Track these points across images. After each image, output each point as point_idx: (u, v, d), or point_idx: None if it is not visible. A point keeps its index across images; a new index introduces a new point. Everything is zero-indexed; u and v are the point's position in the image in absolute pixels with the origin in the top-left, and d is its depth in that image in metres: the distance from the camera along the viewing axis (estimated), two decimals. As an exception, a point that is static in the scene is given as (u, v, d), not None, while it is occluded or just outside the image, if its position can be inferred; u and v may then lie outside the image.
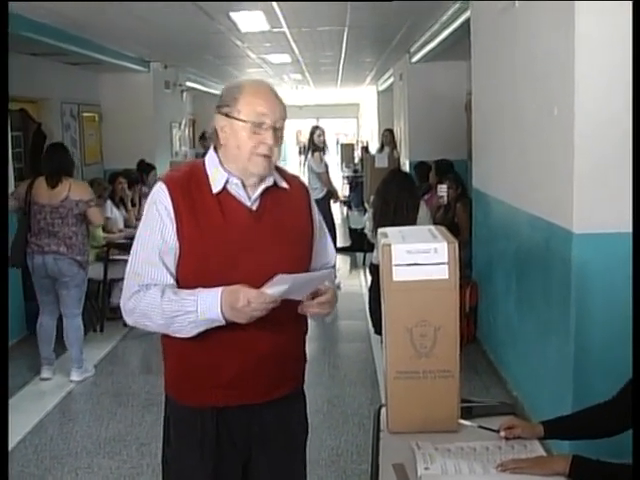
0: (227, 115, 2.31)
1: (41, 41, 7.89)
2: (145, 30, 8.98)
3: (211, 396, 2.36)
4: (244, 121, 2.28)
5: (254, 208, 2.35)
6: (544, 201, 4.46)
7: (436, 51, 10.09)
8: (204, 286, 2.22)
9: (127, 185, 8.32)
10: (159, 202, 2.30)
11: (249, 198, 2.35)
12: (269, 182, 2.38)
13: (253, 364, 2.35)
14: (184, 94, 15.09)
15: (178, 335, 2.28)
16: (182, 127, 14.97)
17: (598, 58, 3.80)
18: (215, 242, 2.28)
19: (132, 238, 7.61)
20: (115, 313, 7.74)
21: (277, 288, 2.14)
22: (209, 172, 2.35)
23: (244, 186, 2.35)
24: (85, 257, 5.96)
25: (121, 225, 7.88)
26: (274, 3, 7.49)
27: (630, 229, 3.79)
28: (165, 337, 2.41)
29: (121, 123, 12.34)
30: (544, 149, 4.42)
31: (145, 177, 9.36)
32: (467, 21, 6.96)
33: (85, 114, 11.78)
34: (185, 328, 2.24)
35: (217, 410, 2.37)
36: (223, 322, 2.21)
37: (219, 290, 2.20)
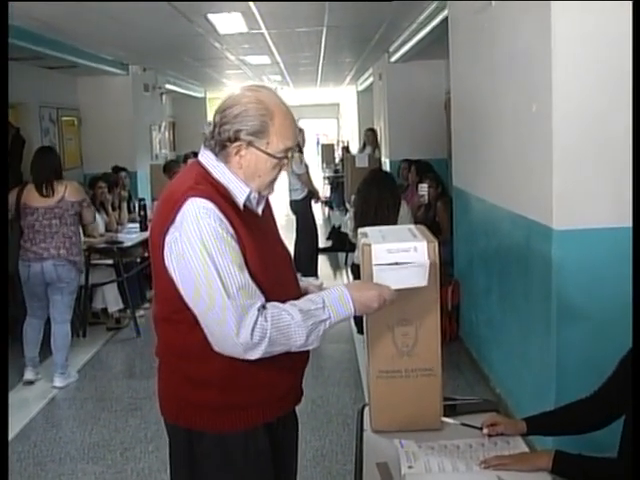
0: (249, 144, 2.16)
1: (17, 45, 7.84)
2: (122, 33, 8.94)
3: (267, 411, 2.29)
4: (272, 156, 2.18)
5: (260, 216, 2.34)
6: (524, 198, 4.47)
7: (415, 50, 10.11)
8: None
9: (107, 189, 8.28)
10: (216, 217, 2.08)
11: (257, 207, 2.31)
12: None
13: (300, 375, 2.41)
14: (163, 97, 15.05)
15: (308, 348, 2.14)
16: (162, 130, 14.92)
17: (576, 55, 3.82)
18: (264, 255, 2.19)
19: (113, 242, 7.57)
20: (97, 318, 7.74)
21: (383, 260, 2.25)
22: (225, 183, 2.19)
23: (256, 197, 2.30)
24: (82, 259, 5.96)
25: (102, 229, 7.84)
26: (252, 4, 7.49)
27: (610, 224, 3.86)
28: (199, 368, 2.22)
29: (100, 127, 12.29)
30: (523, 146, 4.44)
31: (121, 179, 9.31)
32: (445, 20, 6.98)
33: (64, 118, 11.71)
34: (316, 340, 2.13)
35: (269, 425, 2.31)
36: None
37: (343, 289, 2.16)
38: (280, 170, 2.24)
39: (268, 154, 2.17)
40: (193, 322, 2.13)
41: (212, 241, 2.05)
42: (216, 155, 2.22)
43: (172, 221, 2.10)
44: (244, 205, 2.21)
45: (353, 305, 2.14)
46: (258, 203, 2.30)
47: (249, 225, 2.18)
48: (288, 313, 2.08)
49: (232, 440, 2.24)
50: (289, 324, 2.06)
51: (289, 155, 2.21)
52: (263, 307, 2.07)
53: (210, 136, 2.22)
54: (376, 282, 2.25)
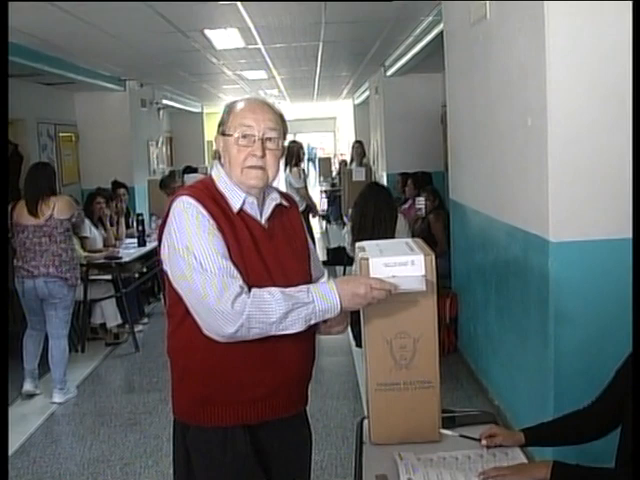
0: (223, 134, 2.38)
1: (15, 62, 7.86)
2: (120, 49, 8.97)
3: (245, 412, 2.34)
4: (231, 135, 2.34)
5: (266, 226, 2.40)
6: (520, 211, 4.50)
7: (411, 64, 10.16)
8: None
9: (105, 204, 8.29)
10: (198, 212, 2.25)
11: (261, 216, 2.40)
12: (277, 200, 2.45)
13: (288, 379, 2.40)
14: (161, 112, 15.09)
15: (285, 332, 2.19)
16: (159, 145, 14.95)
17: (570, 68, 3.85)
18: (251, 258, 2.29)
19: (112, 258, 7.55)
20: (96, 333, 7.73)
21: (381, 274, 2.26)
22: (223, 191, 2.36)
23: (258, 205, 2.39)
24: (75, 274, 5.94)
25: (100, 245, 7.84)
26: (248, 19, 7.52)
27: (606, 236, 3.88)
28: (184, 359, 2.38)
29: (98, 142, 12.30)
30: (519, 159, 4.47)
31: (120, 196, 9.32)
32: (440, 34, 7.02)
33: (62, 134, 11.73)
34: (297, 323, 2.18)
35: (248, 427, 2.36)
36: (338, 311, 2.21)
37: (331, 281, 2.24)
38: (248, 155, 2.33)
39: (229, 134, 2.35)
40: (183, 315, 2.30)
41: (194, 229, 2.22)
42: (221, 164, 2.42)
43: (166, 218, 2.32)
44: (242, 211, 2.35)
45: (338, 292, 2.19)
46: (262, 212, 2.40)
47: (239, 231, 2.30)
48: (269, 292, 2.19)
49: (212, 436, 2.35)
50: (268, 301, 2.16)
51: (251, 135, 2.32)
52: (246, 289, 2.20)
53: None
54: None
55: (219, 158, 2.43)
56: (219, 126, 2.41)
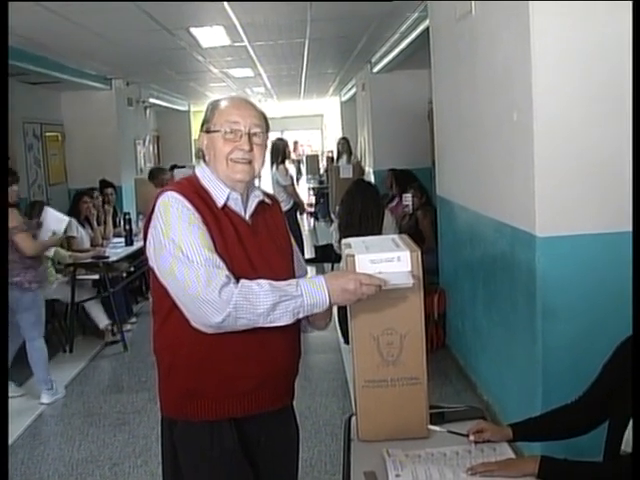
0: (207, 131, 2.41)
1: (0, 61, 7.84)
2: (105, 47, 8.94)
3: (231, 405, 2.36)
4: (218, 131, 2.37)
5: (250, 222, 2.43)
6: (507, 206, 4.50)
7: (397, 61, 10.17)
8: None
9: (92, 204, 8.26)
10: (183, 206, 2.27)
11: (245, 212, 2.43)
12: (260, 197, 2.49)
13: (274, 372, 2.42)
14: (147, 110, 15.05)
15: (273, 325, 2.20)
16: (146, 144, 14.91)
17: (556, 62, 3.85)
18: (236, 252, 2.32)
19: (100, 257, 7.44)
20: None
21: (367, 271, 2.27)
22: (207, 187, 2.39)
23: (242, 201, 2.42)
24: (28, 277, 5.75)
25: (87, 244, 7.82)
26: (234, 17, 7.51)
27: (593, 231, 3.89)
28: (170, 355, 2.40)
29: (85, 141, 12.27)
30: (505, 155, 4.47)
31: (107, 195, 9.30)
32: (426, 30, 7.02)
33: (48, 134, 11.69)
34: (285, 316, 2.19)
35: (235, 421, 2.38)
36: (327, 305, 2.22)
37: (319, 276, 2.25)
38: (234, 148, 2.37)
39: (215, 130, 2.38)
40: (169, 311, 2.32)
41: (180, 222, 2.24)
42: (205, 162, 2.45)
43: (151, 214, 2.33)
44: (226, 207, 2.38)
45: (327, 287, 2.21)
46: (246, 208, 2.43)
47: (223, 226, 2.33)
48: (257, 284, 2.20)
49: (200, 430, 2.36)
50: (256, 292, 2.17)
51: (237, 130, 2.36)
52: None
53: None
54: None
55: (203, 157, 2.46)
56: (202, 124, 2.44)
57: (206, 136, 2.42)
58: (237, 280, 2.21)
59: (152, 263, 2.33)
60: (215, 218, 2.32)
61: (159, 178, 9.37)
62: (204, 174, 2.42)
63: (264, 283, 2.19)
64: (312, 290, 2.20)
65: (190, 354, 2.33)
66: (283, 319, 2.20)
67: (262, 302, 2.16)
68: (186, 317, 2.24)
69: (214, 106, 2.43)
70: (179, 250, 2.20)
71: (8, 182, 5.73)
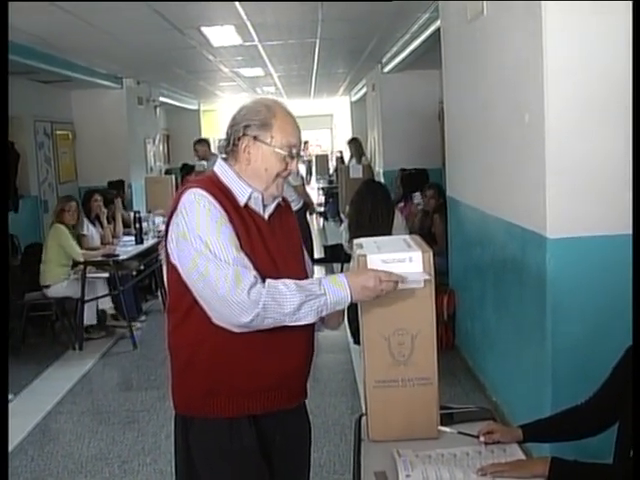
0: (255, 138, 2.34)
1: (11, 59, 7.83)
2: (116, 46, 8.97)
3: (251, 402, 2.37)
4: (275, 148, 2.34)
5: (268, 222, 2.43)
6: (517, 207, 4.49)
7: (408, 61, 10.16)
8: None
9: (103, 202, 8.28)
10: (209, 203, 2.26)
11: (264, 212, 2.42)
12: (279, 198, 2.48)
13: (292, 370, 2.43)
14: (157, 109, 15.08)
15: (297, 323, 2.22)
16: (156, 143, 14.94)
17: (568, 64, 3.84)
18: (260, 251, 2.32)
19: (110, 256, 7.45)
20: (89, 332, 7.62)
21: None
22: (229, 185, 2.37)
23: (261, 201, 2.41)
24: None
25: (97, 242, 7.84)
26: (245, 17, 7.52)
27: (604, 232, 3.87)
28: (190, 352, 2.38)
29: (95, 140, 12.31)
30: (516, 156, 4.46)
31: (120, 194, 9.33)
32: (437, 30, 7.01)
33: (58, 132, 11.74)
34: (309, 314, 2.21)
35: (253, 418, 2.39)
36: (349, 303, 2.25)
37: (340, 274, 2.27)
38: (286, 168, 2.38)
39: (274, 146, 2.34)
40: (189, 308, 2.30)
41: (207, 220, 2.23)
42: (227, 160, 2.41)
43: (174, 210, 2.31)
44: (247, 206, 2.36)
45: (348, 285, 2.23)
46: (265, 207, 2.43)
47: (248, 224, 2.32)
48: (284, 284, 2.21)
49: (217, 428, 2.36)
50: (283, 292, 2.19)
51: (294, 153, 2.37)
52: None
53: (224, 143, 2.43)
54: None
55: (227, 153, 2.42)
56: (249, 126, 2.34)
57: (254, 144, 2.35)
58: (262, 279, 2.22)
59: (173, 259, 2.31)
60: (240, 216, 2.31)
61: (193, 172, 9.50)
62: (224, 171, 2.40)
63: (290, 283, 2.21)
64: (334, 289, 2.22)
65: (211, 351, 2.33)
66: (308, 318, 2.22)
67: (289, 302, 2.18)
68: (207, 314, 2.25)
69: (272, 114, 2.35)
70: (207, 248, 2.20)
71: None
